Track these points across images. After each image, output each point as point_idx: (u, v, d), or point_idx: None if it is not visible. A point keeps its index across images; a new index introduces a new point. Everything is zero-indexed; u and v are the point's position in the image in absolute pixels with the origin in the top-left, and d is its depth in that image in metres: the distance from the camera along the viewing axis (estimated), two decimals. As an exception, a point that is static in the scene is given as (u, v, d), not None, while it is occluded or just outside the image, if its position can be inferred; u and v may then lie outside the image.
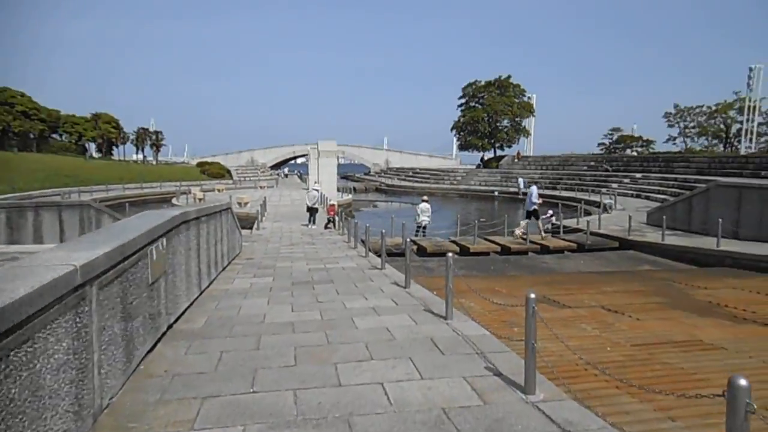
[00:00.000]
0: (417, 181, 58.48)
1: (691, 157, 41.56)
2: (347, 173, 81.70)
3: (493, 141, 60.17)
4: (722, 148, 52.43)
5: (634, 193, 36.76)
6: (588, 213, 27.94)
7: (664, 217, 16.98)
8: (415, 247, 16.33)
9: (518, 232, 18.05)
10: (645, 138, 58.04)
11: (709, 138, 53.74)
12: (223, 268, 10.06)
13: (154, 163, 75.81)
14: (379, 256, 11.04)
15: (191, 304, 6.74)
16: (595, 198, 34.05)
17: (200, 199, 29.72)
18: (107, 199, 34.73)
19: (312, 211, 20.13)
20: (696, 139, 53.71)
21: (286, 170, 76.98)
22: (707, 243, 14.79)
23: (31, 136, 68.79)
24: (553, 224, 22.24)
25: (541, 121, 68.90)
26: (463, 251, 16.03)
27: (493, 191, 46.98)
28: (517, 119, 59.80)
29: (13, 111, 65.79)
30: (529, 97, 61.01)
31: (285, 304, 6.91)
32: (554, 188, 43.21)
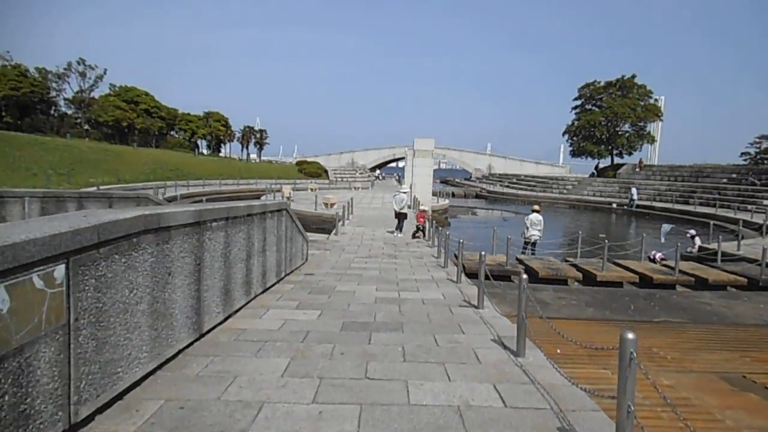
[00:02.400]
0: (522, 189, 53.80)
1: None
2: (447, 178, 78.56)
3: (610, 147, 53.81)
4: None
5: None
6: (738, 235, 22.54)
7: None
8: (522, 269, 12.95)
9: None
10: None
11: None
12: (265, 289, 7.54)
13: (257, 160, 77.73)
14: (475, 280, 8.01)
15: (165, 362, 4.16)
16: (743, 216, 28.01)
17: (287, 197, 28.23)
18: (201, 193, 34.60)
19: (400, 216, 17.37)
20: None
21: (381, 173, 75.35)
22: None
23: (151, 132, 73.26)
24: (700, 247, 17.62)
25: (668, 127, 60.79)
26: (588, 279, 12.37)
27: (610, 203, 41.49)
28: (640, 123, 52.95)
29: (137, 109, 70.39)
30: (656, 100, 53.73)
31: (310, 377, 4.08)
32: (686, 203, 36.98)
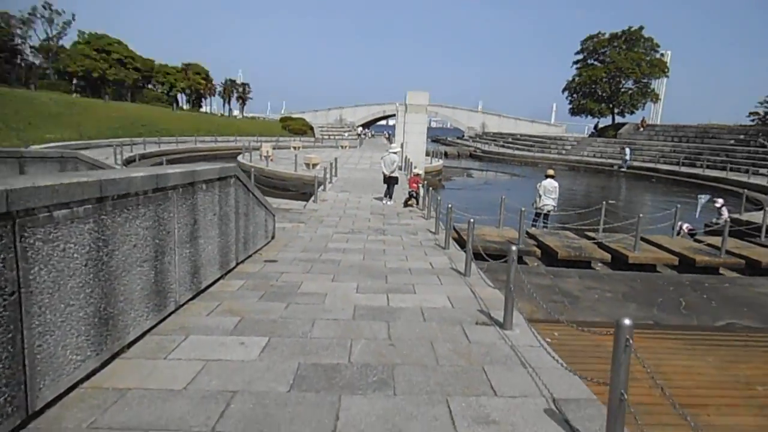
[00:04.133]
0: (518, 149, 51.37)
1: None
2: (438, 137, 75.86)
3: (612, 105, 51.22)
4: None
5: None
6: (755, 203, 20.62)
7: None
8: (536, 247, 10.79)
9: None
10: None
11: None
12: (199, 292, 5.28)
13: (241, 116, 74.13)
14: (487, 269, 5.89)
15: None
16: (757, 180, 26.08)
17: (267, 157, 25.65)
18: (173, 151, 31.86)
19: (390, 181, 15.01)
20: None
21: (370, 130, 72.22)
22: None
23: (126, 85, 68.97)
24: (729, 218, 15.48)
25: (674, 84, 57.75)
26: (617, 261, 10.25)
27: (612, 165, 39.36)
28: (644, 80, 50.14)
29: (110, 59, 65.88)
30: (662, 54, 50.80)
31: None
32: (692, 165, 34.91)
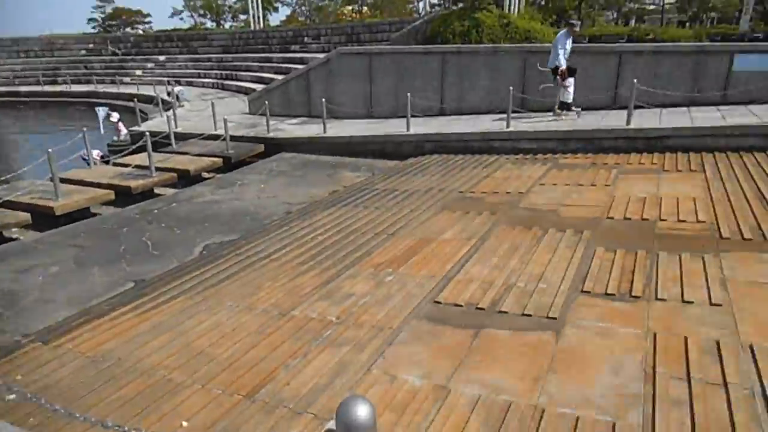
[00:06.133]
0: None
1: (209, 34, 38.07)
2: None
3: None
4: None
5: (168, 79, 30.65)
6: (144, 113, 21.06)
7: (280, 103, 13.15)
8: None
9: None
10: (145, 12, 49.78)
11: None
12: None
13: None
14: None
15: None
16: (130, 90, 26.59)
17: None
18: None
19: None
20: (207, 14, 49.53)
21: None
22: (376, 128, 11.92)
23: None
24: (129, 132, 14.81)
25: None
26: (41, 218, 7.71)
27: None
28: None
29: None
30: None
31: None
32: (55, 83, 32.11)
